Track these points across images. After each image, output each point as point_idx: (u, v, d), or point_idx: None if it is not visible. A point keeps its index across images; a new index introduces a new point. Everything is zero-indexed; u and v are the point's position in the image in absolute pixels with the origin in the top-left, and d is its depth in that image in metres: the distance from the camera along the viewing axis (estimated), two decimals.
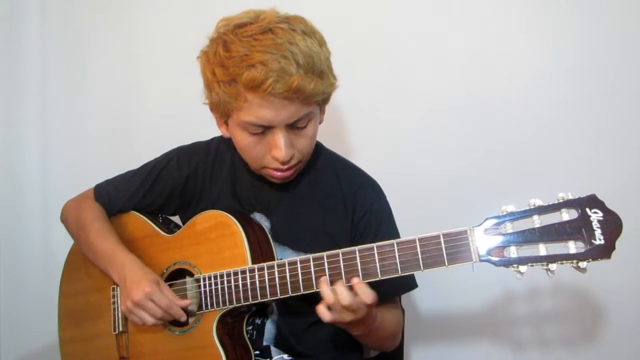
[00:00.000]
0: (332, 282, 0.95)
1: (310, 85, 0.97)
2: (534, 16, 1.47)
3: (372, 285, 0.95)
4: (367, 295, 0.93)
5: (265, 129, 1.02)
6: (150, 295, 1.06)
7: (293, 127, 1.03)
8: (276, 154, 1.03)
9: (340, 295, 0.92)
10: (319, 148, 1.22)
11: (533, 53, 1.47)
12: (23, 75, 1.91)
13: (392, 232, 1.17)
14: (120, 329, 1.19)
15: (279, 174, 1.07)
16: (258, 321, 1.17)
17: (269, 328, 1.17)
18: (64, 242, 1.35)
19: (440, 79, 1.54)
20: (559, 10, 1.45)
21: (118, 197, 1.26)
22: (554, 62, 1.45)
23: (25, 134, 1.92)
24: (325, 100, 1.07)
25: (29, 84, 1.91)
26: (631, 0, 1.39)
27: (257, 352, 1.15)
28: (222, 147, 1.24)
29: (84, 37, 1.88)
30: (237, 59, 0.97)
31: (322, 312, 0.95)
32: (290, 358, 1.16)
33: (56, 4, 1.91)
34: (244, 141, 1.06)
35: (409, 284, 1.16)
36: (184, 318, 1.10)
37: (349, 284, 0.94)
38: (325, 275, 0.97)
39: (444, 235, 0.90)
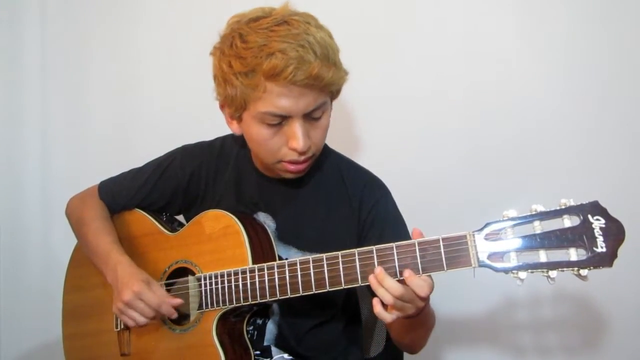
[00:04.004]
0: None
1: (329, 73, 0.99)
2: (537, 17, 1.47)
3: None
4: (419, 286, 0.89)
5: (282, 120, 1.02)
6: (140, 295, 1.06)
7: (309, 117, 1.03)
8: (294, 144, 1.03)
9: (391, 289, 0.89)
10: (324, 148, 1.21)
11: (535, 55, 1.47)
12: (23, 75, 1.93)
13: (399, 226, 1.15)
14: (122, 326, 1.19)
15: (293, 167, 1.07)
16: (259, 321, 1.17)
17: (270, 328, 1.17)
18: (65, 241, 1.35)
19: (441, 83, 1.54)
20: (557, 11, 1.45)
21: (121, 195, 1.27)
22: (556, 64, 1.45)
23: (25, 133, 1.93)
24: (338, 91, 1.08)
25: (29, 84, 1.92)
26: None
27: (258, 352, 1.15)
28: (227, 147, 1.24)
29: (84, 37, 1.89)
30: (255, 49, 0.98)
31: (381, 313, 0.92)
32: (290, 358, 1.16)
33: (56, 4, 1.92)
34: (260, 134, 1.05)
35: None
36: (174, 315, 1.10)
37: (398, 278, 0.91)
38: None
39: (443, 239, 0.90)
